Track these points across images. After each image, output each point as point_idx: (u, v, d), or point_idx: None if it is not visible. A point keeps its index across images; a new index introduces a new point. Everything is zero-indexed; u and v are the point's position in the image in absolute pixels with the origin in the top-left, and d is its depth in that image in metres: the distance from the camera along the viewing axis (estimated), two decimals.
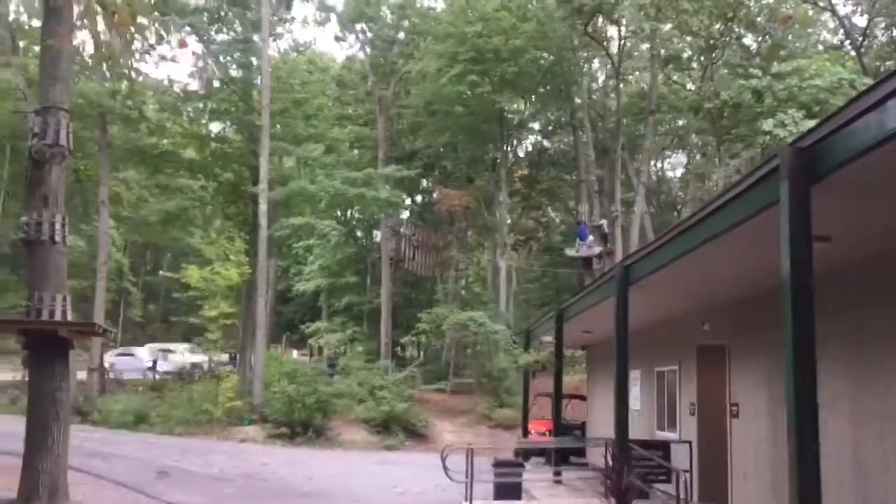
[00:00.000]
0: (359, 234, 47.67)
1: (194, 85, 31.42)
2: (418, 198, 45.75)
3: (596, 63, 43.21)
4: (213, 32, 30.62)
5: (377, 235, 44.14)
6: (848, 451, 7.62)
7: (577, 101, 38.42)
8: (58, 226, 10.01)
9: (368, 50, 41.75)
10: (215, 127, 33.40)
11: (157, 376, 33.00)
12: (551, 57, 36.06)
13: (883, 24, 36.59)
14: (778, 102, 27.84)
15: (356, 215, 44.33)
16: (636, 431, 12.82)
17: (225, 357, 33.62)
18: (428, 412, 29.49)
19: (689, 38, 34.67)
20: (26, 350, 10.50)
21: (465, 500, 12.03)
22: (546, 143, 46.43)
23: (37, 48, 26.41)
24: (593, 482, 15.14)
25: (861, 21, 37.11)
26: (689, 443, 12.06)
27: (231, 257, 29.20)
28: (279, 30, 35.19)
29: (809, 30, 38.96)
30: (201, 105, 31.40)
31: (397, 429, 26.92)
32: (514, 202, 41.41)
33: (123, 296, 47.67)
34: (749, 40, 36.34)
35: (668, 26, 34.09)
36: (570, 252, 28.53)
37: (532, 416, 22.96)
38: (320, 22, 43.33)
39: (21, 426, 10.14)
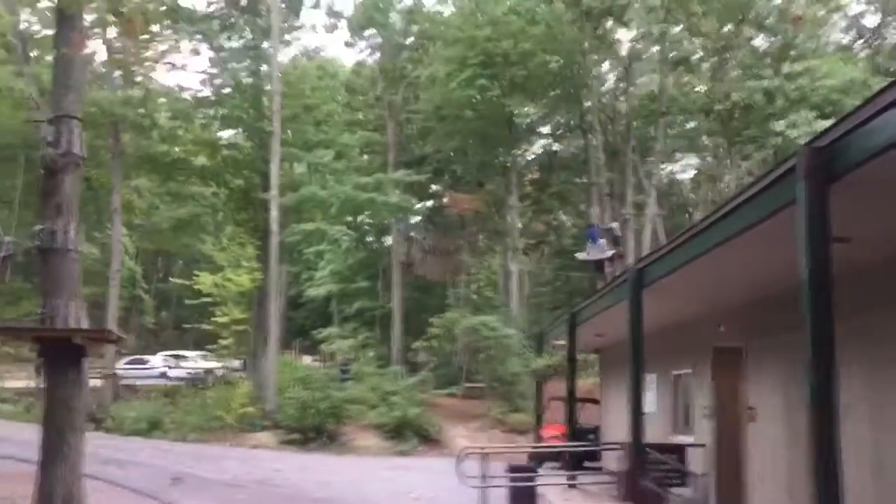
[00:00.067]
0: (369, 239, 47.70)
1: (205, 92, 31.53)
2: (429, 202, 45.72)
3: (605, 66, 43.10)
4: (223, 40, 30.72)
5: (388, 241, 44.15)
6: (867, 453, 7.54)
7: (587, 104, 38.34)
8: (71, 234, 10.00)
9: (378, 55, 41.85)
10: (226, 134, 33.50)
11: (170, 383, 33.05)
12: (561, 60, 35.98)
13: (895, 24, 36.36)
14: (790, 103, 27.78)
15: (367, 220, 44.34)
16: (651, 435, 12.73)
17: (237, 363, 33.66)
18: (440, 417, 29.43)
19: (698, 40, 34.56)
20: (41, 358, 10.50)
21: None
22: (556, 147, 46.35)
23: (48, 57, 26.67)
24: (608, 487, 15.06)
25: (873, 20, 36.97)
26: (705, 446, 11.98)
27: (243, 263, 29.26)
28: (289, 36, 35.25)
29: (820, 30, 38.77)
30: (212, 112, 31.50)
31: (410, 434, 26.87)
32: (524, 206, 41.34)
33: (136, 303, 47.80)
34: (759, 41, 36.22)
35: (678, 28, 34.02)
36: (581, 256, 28.43)
37: (545, 421, 22.88)
38: (329, 28, 43.36)
39: (36, 434, 10.15)
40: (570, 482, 15.63)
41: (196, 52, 28.20)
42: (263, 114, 30.43)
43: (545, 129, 45.68)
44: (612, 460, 16.63)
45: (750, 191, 6.44)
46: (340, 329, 43.12)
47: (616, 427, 19.00)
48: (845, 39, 39.64)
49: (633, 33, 36.61)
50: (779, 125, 26.52)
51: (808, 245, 5.19)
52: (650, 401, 15.41)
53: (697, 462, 11.62)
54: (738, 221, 6.70)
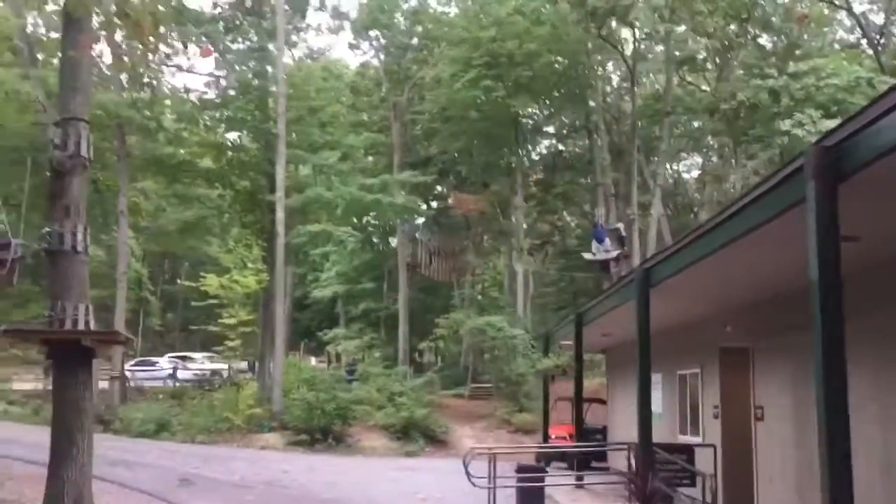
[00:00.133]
0: (375, 240, 47.75)
1: (210, 94, 31.61)
2: (434, 203, 45.73)
3: (610, 66, 43.08)
4: (228, 41, 30.78)
5: (394, 242, 44.18)
6: (876, 453, 7.53)
7: (592, 104, 38.31)
8: (80, 236, 10.05)
9: (382, 56, 41.87)
10: (232, 136, 33.56)
11: (177, 384, 33.15)
12: (566, 60, 35.98)
13: None
14: (795, 102, 27.64)
15: (372, 222, 44.39)
16: (658, 435, 12.73)
17: (244, 365, 33.74)
18: (447, 418, 29.44)
19: (704, 40, 34.50)
20: (50, 360, 10.56)
21: None
22: (561, 147, 46.33)
23: (55, 60, 26.74)
24: (615, 486, 15.07)
25: (878, 19, 36.86)
26: (713, 446, 11.97)
27: (249, 265, 29.32)
28: (294, 38, 35.36)
29: (825, 29, 38.69)
30: (217, 114, 31.56)
31: (417, 435, 26.89)
32: (529, 206, 41.30)
33: (143, 305, 47.94)
34: (765, 40, 36.16)
35: (683, 28, 33.97)
36: (587, 256, 28.46)
37: (552, 421, 22.89)
38: (334, 30, 43.46)
39: (44, 436, 10.20)
40: (578, 482, 15.64)
41: (210, 52, 28.17)
42: (269, 115, 30.49)
43: (550, 130, 45.66)
44: (620, 460, 16.64)
45: (758, 190, 6.43)
46: (346, 330, 43.21)
47: (623, 427, 18.99)
48: (851, 38, 39.55)
49: (637, 33, 36.58)
50: (784, 124, 26.38)
51: (818, 244, 5.18)
52: (657, 400, 15.41)
53: (706, 462, 11.60)
54: (745, 221, 6.70)
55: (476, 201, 38.05)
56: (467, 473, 11.84)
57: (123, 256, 29.49)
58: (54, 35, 26.33)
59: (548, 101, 40.56)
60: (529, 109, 39.81)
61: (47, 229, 9.95)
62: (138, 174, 32.29)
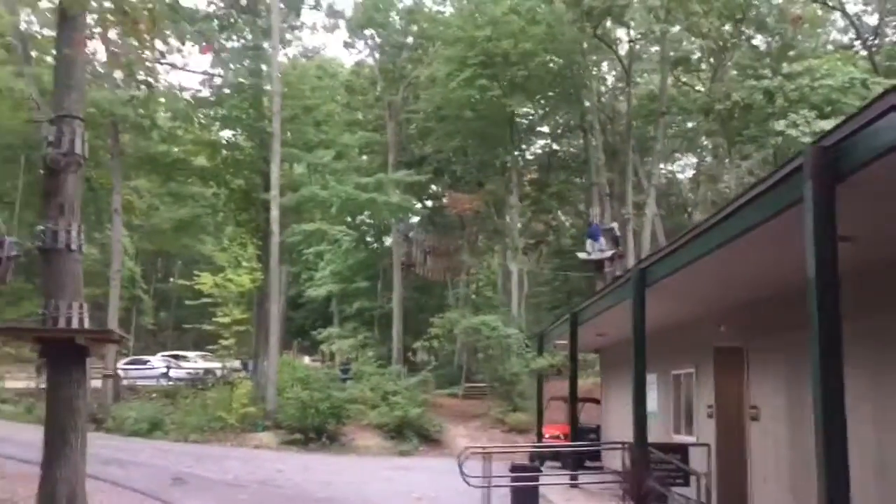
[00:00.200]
0: (369, 239, 47.73)
1: (204, 92, 31.50)
2: (428, 202, 45.76)
3: (605, 66, 43.14)
4: (223, 40, 30.69)
5: (388, 241, 44.17)
6: (870, 453, 7.54)
7: (587, 104, 38.35)
8: (74, 234, 10.00)
9: (377, 55, 41.86)
10: (226, 134, 33.49)
11: (171, 383, 33.04)
12: (561, 60, 36.00)
13: (894, 23, 36.39)
14: (789, 103, 27.74)
15: (367, 221, 44.36)
16: (652, 434, 12.74)
17: (237, 363, 33.65)
18: (441, 417, 29.44)
19: (698, 40, 34.58)
20: (43, 358, 10.50)
21: None
22: (556, 147, 46.39)
23: (48, 58, 26.61)
24: (610, 486, 15.08)
25: (872, 20, 36.99)
26: (707, 446, 11.99)
27: (243, 264, 29.24)
28: (289, 36, 35.23)
29: (819, 30, 38.81)
30: (212, 112, 31.48)
31: (411, 434, 26.87)
32: (524, 206, 41.35)
33: (135, 304, 47.77)
34: (759, 41, 36.25)
35: (678, 28, 34.03)
36: (582, 255, 28.52)
37: (546, 420, 22.90)
38: (329, 28, 43.33)
39: (37, 434, 10.15)
40: (572, 482, 15.65)
41: (209, 49, 28.03)
42: (263, 114, 30.41)
43: (545, 129, 45.71)
44: (613, 460, 16.66)
45: (755, 190, 6.44)
46: (340, 329, 43.19)
47: (617, 427, 19.02)
48: (844, 39, 39.69)
49: (632, 33, 36.64)
50: (779, 125, 26.48)
51: (815, 244, 5.19)
52: (651, 400, 15.43)
53: (700, 462, 11.62)
54: (743, 221, 6.71)
55: (471, 200, 38.07)
56: (462, 473, 11.83)
57: (117, 255, 29.38)
58: (48, 32, 26.21)
59: (543, 101, 40.59)
60: (524, 109, 39.84)
61: (41, 227, 9.90)
62: (132, 172, 32.20)
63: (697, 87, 39.35)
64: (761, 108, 29.48)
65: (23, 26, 25.56)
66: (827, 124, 23.70)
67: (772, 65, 32.81)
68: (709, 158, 46.07)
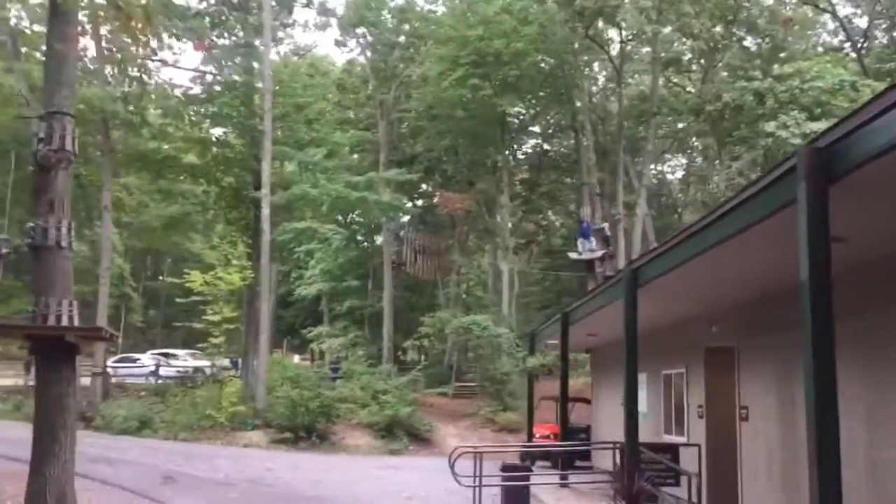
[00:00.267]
0: (360, 237, 47.66)
1: (196, 90, 31.38)
2: (419, 201, 45.75)
3: (596, 66, 43.23)
4: (214, 37, 30.58)
5: (379, 239, 44.12)
6: (861, 453, 7.58)
7: (578, 104, 38.43)
8: (64, 231, 9.94)
9: (369, 54, 41.79)
10: (217, 132, 33.37)
11: (160, 381, 32.92)
12: (552, 60, 36.05)
13: (884, 26, 36.60)
14: (779, 104, 27.89)
15: (357, 219, 44.29)
16: (642, 434, 12.78)
17: (226, 362, 33.55)
18: (431, 416, 29.44)
19: (689, 41, 34.69)
20: (33, 355, 10.44)
21: None
22: (547, 147, 46.45)
23: (37, 54, 26.45)
24: (600, 486, 15.11)
25: (861, 22, 37.19)
26: (698, 446, 12.02)
27: (233, 262, 29.15)
28: (280, 34, 35.15)
29: (809, 32, 39.01)
30: (203, 110, 31.35)
31: (401, 433, 26.85)
32: (514, 205, 41.41)
33: (125, 301, 47.60)
34: (749, 42, 36.40)
35: (669, 29, 34.14)
36: (573, 255, 28.55)
37: (536, 420, 22.94)
38: (321, 26, 43.24)
39: (26, 432, 10.09)
40: (563, 482, 15.67)
41: (202, 46, 27.89)
42: (254, 112, 30.32)
43: (536, 129, 45.76)
44: (603, 459, 16.71)
45: (749, 190, 6.46)
46: (330, 328, 43.12)
47: (607, 427, 19.08)
48: (834, 41, 39.92)
49: (624, 34, 36.71)
50: (769, 126, 26.63)
51: (809, 245, 5.21)
52: (642, 400, 15.47)
53: (691, 462, 11.66)
54: (736, 221, 6.73)
55: (462, 200, 38.07)
56: (453, 473, 11.82)
57: (106, 252, 29.22)
58: (38, 28, 26.09)
59: (534, 101, 40.62)
60: (515, 108, 39.86)
61: (31, 224, 9.84)
62: (122, 169, 32.04)
63: (688, 88, 39.50)
64: (752, 110, 29.62)
65: (12, 21, 25.46)
66: (817, 126, 23.84)
67: (762, 66, 32.98)
68: (699, 159, 46.26)
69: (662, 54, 36.20)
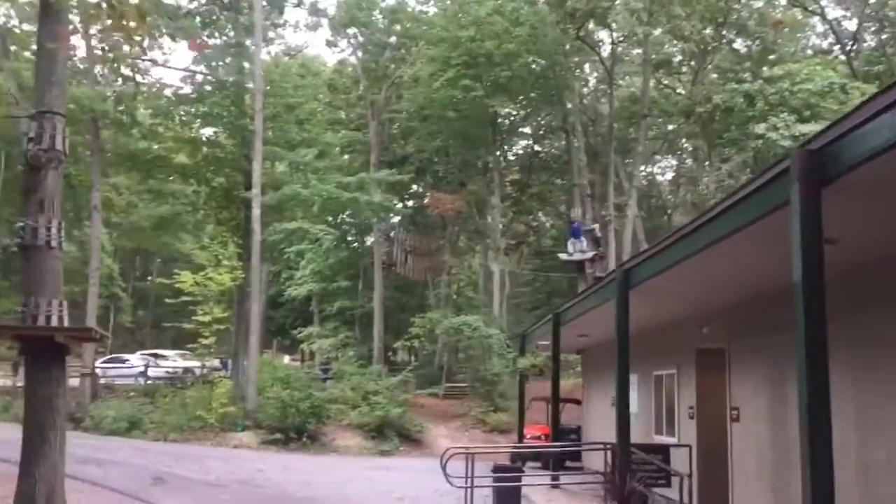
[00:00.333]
0: (350, 238, 47.59)
1: (186, 89, 31.27)
2: (410, 202, 45.72)
3: (587, 67, 43.32)
4: (205, 37, 30.49)
5: (369, 240, 44.08)
6: (852, 454, 7.61)
7: (569, 105, 38.48)
8: (54, 230, 9.88)
9: (360, 54, 41.72)
10: (208, 132, 33.27)
11: (149, 382, 32.76)
12: (543, 61, 36.10)
13: (872, 28, 36.82)
14: (769, 106, 28.00)
15: (348, 219, 44.24)
16: (633, 435, 12.82)
17: (216, 362, 33.44)
18: (422, 417, 29.45)
19: (680, 43, 34.81)
20: (22, 356, 10.38)
21: None
22: (537, 148, 46.51)
23: (27, 53, 26.29)
24: (590, 486, 15.13)
25: (850, 25, 37.39)
26: (689, 446, 12.05)
27: (224, 262, 29.07)
28: (271, 34, 35.08)
29: (799, 34, 39.21)
30: (193, 109, 31.25)
31: (392, 434, 26.84)
32: (505, 206, 41.46)
33: (113, 301, 47.38)
34: (739, 45, 36.56)
35: (660, 31, 34.24)
36: (563, 256, 28.68)
37: (526, 421, 22.96)
38: (312, 27, 43.20)
39: (14, 433, 10.03)
40: (554, 482, 15.69)
41: (196, 46, 27.77)
42: (245, 112, 30.25)
43: (527, 130, 45.81)
44: (593, 460, 16.73)
45: (742, 192, 6.47)
46: (321, 328, 43.03)
47: (597, 427, 19.10)
48: (824, 44, 40.12)
49: (615, 35, 36.81)
50: (759, 128, 26.74)
51: (802, 247, 5.22)
52: (633, 401, 15.49)
53: (681, 462, 11.68)
54: (729, 223, 6.74)
55: (452, 200, 38.06)
56: (445, 474, 11.82)
57: (96, 252, 29.09)
58: (27, 27, 25.96)
59: (525, 102, 40.65)
60: (506, 109, 39.91)
61: (21, 224, 9.78)
62: (111, 169, 31.90)
63: (678, 90, 39.63)
64: (742, 112, 29.74)
65: (1, 20, 25.31)
66: (806, 128, 23.96)
67: (752, 69, 33.14)
68: (689, 161, 46.42)
69: (653, 56, 36.32)
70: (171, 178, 32.34)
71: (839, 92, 27.38)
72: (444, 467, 11.90)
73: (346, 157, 40.81)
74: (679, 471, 11.25)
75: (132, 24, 7.18)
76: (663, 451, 12.01)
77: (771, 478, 9.80)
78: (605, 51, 38.40)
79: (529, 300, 48.63)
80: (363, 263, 43.60)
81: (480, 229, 41.26)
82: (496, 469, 13.14)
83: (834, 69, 31.13)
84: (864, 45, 37.29)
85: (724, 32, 34.44)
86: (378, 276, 38.49)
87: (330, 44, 43.58)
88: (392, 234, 42.50)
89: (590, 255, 26.53)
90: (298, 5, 35.96)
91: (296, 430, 25.36)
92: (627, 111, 39.34)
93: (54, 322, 9.74)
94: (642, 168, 42.64)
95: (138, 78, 27.00)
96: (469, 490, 12.03)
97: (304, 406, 25.69)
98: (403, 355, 50.19)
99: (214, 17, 30.82)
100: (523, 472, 14.53)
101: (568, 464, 18.81)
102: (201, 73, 30.53)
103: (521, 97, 39.37)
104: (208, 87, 30.68)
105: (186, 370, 33.48)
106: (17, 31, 26.85)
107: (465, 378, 36.07)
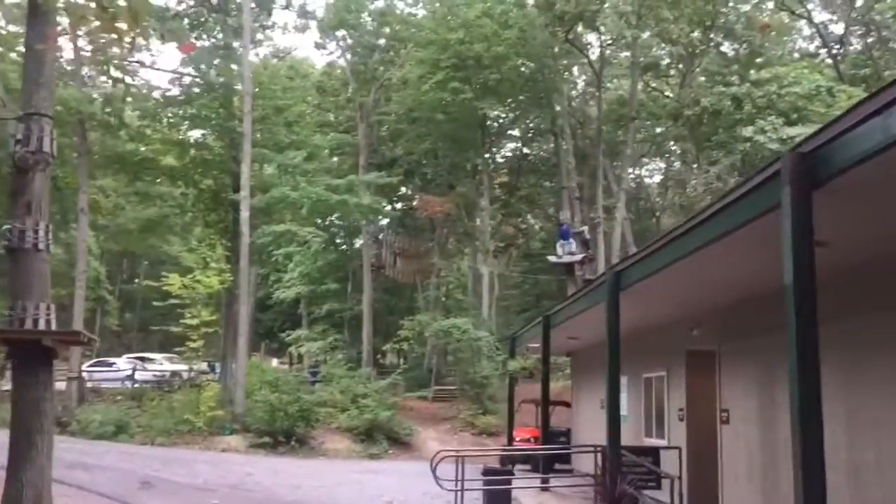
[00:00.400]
0: (339, 240, 47.49)
1: (174, 91, 31.12)
2: (399, 204, 45.67)
3: (576, 70, 43.40)
4: (193, 39, 30.36)
5: (358, 242, 44.01)
6: (842, 455, 7.64)
7: (558, 108, 38.53)
8: (41, 233, 9.79)
9: (349, 56, 41.66)
10: (196, 134, 33.12)
11: (136, 385, 32.56)
12: (532, 64, 36.14)
13: (859, 32, 37.07)
14: (757, 109, 28.14)
15: (337, 222, 44.13)
16: (623, 437, 12.85)
17: (204, 366, 33.28)
18: (411, 420, 29.40)
19: (668, 46, 34.94)
20: (9, 360, 10.28)
21: None
22: (526, 150, 46.55)
23: (13, 54, 26.09)
24: (581, 489, 15.13)
25: (837, 28, 37.64)
26: (679, 448, 12.07)
27: (212, 265, 28.94)
28: (260, 36, 34.99)
29: (786, 38, 39.42)
30: (181, 111, 31.11)
31: (381, 437, 26.79)
32: (494, 209, 41.48)
33: (100, 304, 47.07)
34: (727, 48, 36.73)
35: (648, 34, 34.35)
36: (552, 259, 28.68)
37: (516, 423, 22.96)
38: (300, 29, 43.08)
39: (1, 437, 9.94)
40: (544, 485, 15.68)
41: (190, 48, 27.61)
42: (233, 114, 30.14)
43: (515, 133, 45.85)
44: (583, 462, 16.74)
45: (733, 195, 6.49)
46: (309, 331, 42.91)
47: (587, 430, 19.12)
48: (810, 47, 40.35)
49: (604, 38, 36.89)
50: (747, 131, 26.86)
51: (793, 250, 5.24)
52: (623, 403, 15.51)
53: (671, 465, 11.71)
54: (720, 225, 6.76)
55: (441, 203, 38.04)
56: (435, 477, 11.81)
57: (82, 255, 28.90)
58: (13, 28, 25.72)
59: (514, 104, 40.68)
60: (495, 112, 39.93)
61: (8, 226, 9.69)
62: (98, 171, 31.71)
63: (667, 93, 39.77)
64: (729, 115, 29.86)
65: None
66: (794, 131, 24.10)
67: (740, 72, 33.27)
68: (677, 163, 46.55)
69: (641, 59, 36.42)
70: (158, 180, 32.17)
71: (826, 95, 27.55)
72: (434, 470, 11.88)
73: (334, 159, 40.69)
74: (669, 473, 11.27)
75: (124, 26, 7.11)
76: (653, 453, 12.03)
77: (760, 479, 9.83)
78: (594, 54, 38.47)
79: (518, 302, 48.66)
80: (352, 266, 43.51)
81: (469, 232, 41.25)
82: (486, 472, 13.13)
83: (821, 72, 31.31)
84: (851, 48, 37.51)
85: (711, 36, 34.58)
86: (367, 279, 38.42)
87: (319, 46, 43.52)
88: (381, 237, 42.44)
89: (579, 257, 26.55)
90: (287, 7, 35.91)
91: (284, 434, 25.26)
92: (616, 114, 39.41)
93: (42, 325, 9.66)
94: (631, 171, 42.75)
95: (127, 80, 26.84)
96: (459, 493, 12.00)
97: (292, 409, 25.59)
98: (392, 358, 50.09)
99: (203, 19, 30.71)
100: (513, 474, 14.50)
101: (557, 466, 18.82)
102: (189, 74, 30.40)
103: (509, 100, 39.39)
104: (196, 89, 30.55)
105: (174, 373, 33.31)
106: (3, 32, 26.64)
107: (454, 381, 36.03)
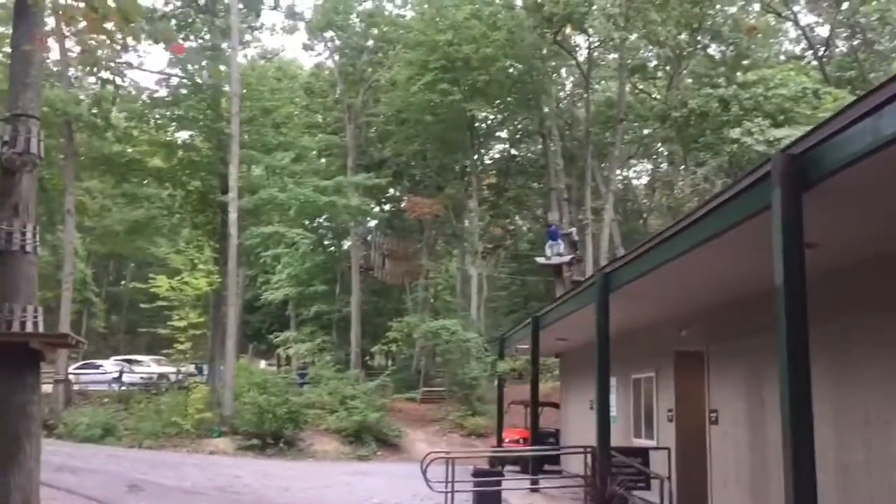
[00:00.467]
0: (327, 242, 47.41)
1: (161, 92, 30.98)
2: (387, 206, 45.64)
3: (564, 72, 43.50)
4: (181, 40, 30.22)
5: (346, 244, 43.94)
6: (831, 456, 7.68)
7: (546, 109, 38.59)
8: (29, 235, 9.73)
9: (337, 58, 41.60)
10: (183, 135, 32.98)
11: (123, 388, 32.37)
12: (521, 66, 36.19)
13: (844, 34, 37.32)
14: (744, 111, 28.29)
15: (325, 223, 44.06)
16: (612, 438, 12.88)
17: (192, 368, 33.15)
18: (400, 421, 29.37)
19: (655, 48, 35.07)
20: None
21: None
22: (514, 152, 46.60)
23: None
24: (570, 489, 15.14)
25: (822, 31, 37.89)
26: (668, 449, 12.11)
27: (200, 266, 28.82)
28: (248, 37, 34.89)
29: (772, 40, 39.64)
30: (168, 112, 30.97)
31: (370, 439, 26.76)
32: (482, 210, 41.50)
33: (87, 306, 46.79)
34: (714, 50, 36.90)
35: (636, 36, 34.46)
36: (540, 260, 28.74)
37: (505, 424, 22.98)
38: (288, 30, 42.94)
39: None
40: (533, 486, 15.70)
41: (181, 49, 27.45)
42: (221, 115, 30.04)
43: (503, 134, 45.91)
44: (572, 463, 16.77)
45: (723, 196, 6.52)
46: (297, 333, 42.82)
47: (576, 431, 19.16)
48: (796, 50, 40.60)
49: (592, 40, 36.99)
50: (734, 133, 27.01)
51: (783, 251, 5.27)
52: (612, 404, 15.55)
53: (661, 465, 11.74)
54: (709, 227, 6.79)
55: (430, 204, 38.01)
56: (426, 479, 11.80)
57: (69, 257, 28.71)
58: (0, 29, 25.57)
59: (502, 106, 40.72)
60: (484, 113, 39.96)
61: None
62: (85, 173, 31.52)
63: (654, 95, 39.90)
64: (716, 116, 30.02)
65: None
66: (781, 133, 24.25)
67: (727, 74, 33.44)
68: (664, 165, 46.72)
69: (629, 61, 36.53)
70: (145, 181, 32.00)
71: (812, 97, 27.74)
72: (424, 472, 11.87)
73: (323, 160, 40.60)
74: (658, 473, 11.31)
75: (113, 26, 7.06)
76: (642, 454, 12.06)
77: (749, 480, 9.87)
78: (582, 55, 38.57)
79: (507, 304, 48.71)
80: (340, 267, 43.43)
81: (458, 233, 41.26)
82: (476, 473, 13.12)
83: (807, 74, 31.53)
84: (836, 50, 37.78)
85: (698, 38, 34.73)
86: (355, 280, 38.36)
87: (307, 47, 43.44)
88: (369, 238, 42.39)
89: (567, 258, 26.62)
90: (275, 8, 35.82)
91: (273, 436, 25.19)
92: (604, 115, 39.51)
93: (29, 328, 9.60)
94: (618, 172, 42.85)
95: (118, 80, 26.70)
96: (449, 495, 11.99)
97: (281, 411, 25.52)
98: (381, 360, 50.03)
99: (190, 20, 30.60)
100: (503, 476, 14.50)
101: (547, 467, 18.84)
102: (177, 76, 30.27)
103: (498, 101, 39.42)
104: (184, 91, 30.42)
105: (161, 376, 33.15)
106: None
107: (442, 382, 36.02)
